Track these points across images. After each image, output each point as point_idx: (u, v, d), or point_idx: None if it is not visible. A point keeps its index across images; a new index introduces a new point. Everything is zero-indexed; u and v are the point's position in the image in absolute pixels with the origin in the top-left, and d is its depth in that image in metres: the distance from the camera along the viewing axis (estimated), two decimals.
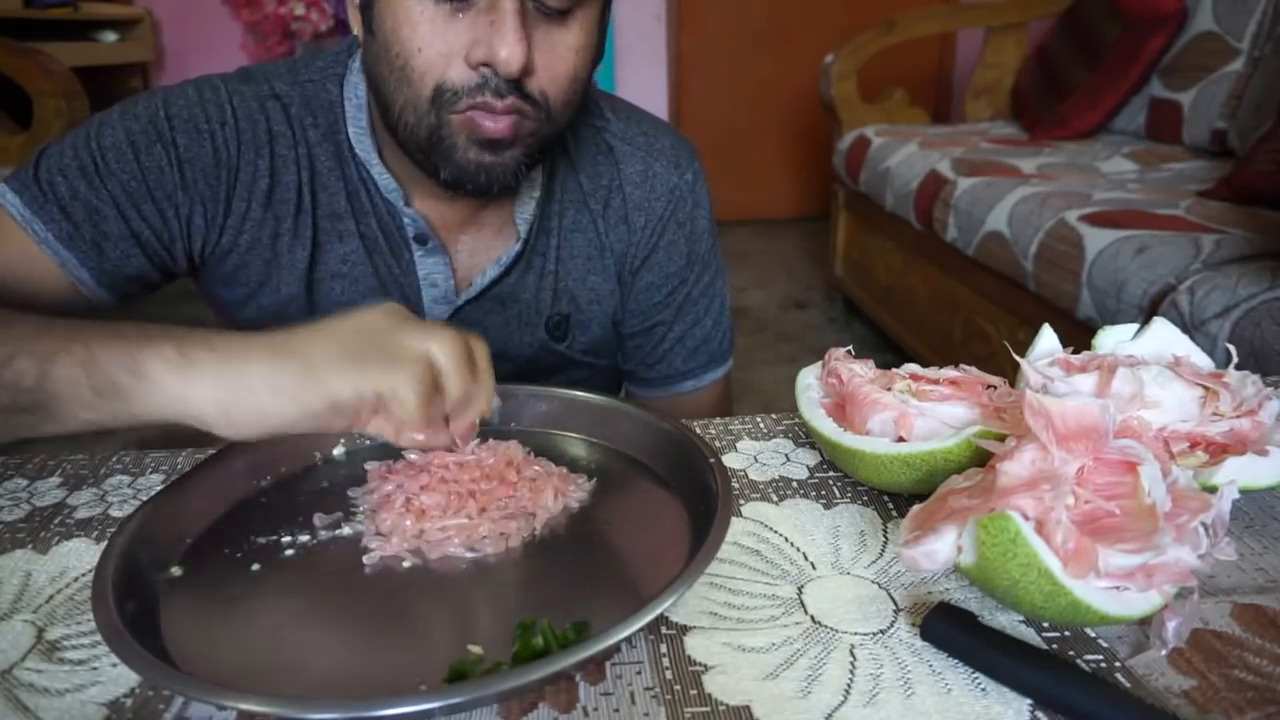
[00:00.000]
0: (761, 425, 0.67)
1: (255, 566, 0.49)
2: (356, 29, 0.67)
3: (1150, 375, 0.51)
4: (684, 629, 0.44)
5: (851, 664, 0.41)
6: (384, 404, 0.49)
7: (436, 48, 0.60)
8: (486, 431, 0.57)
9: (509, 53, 0.59)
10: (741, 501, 0.56)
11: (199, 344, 0.50)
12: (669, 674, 0.41)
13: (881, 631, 0.44)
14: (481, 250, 0.77)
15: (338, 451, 0.61)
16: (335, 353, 0.49)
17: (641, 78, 3.77)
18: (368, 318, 0.51)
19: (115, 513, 0.57)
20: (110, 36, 3.22)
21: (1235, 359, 0.55)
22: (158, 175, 0.68)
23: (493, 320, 0.79)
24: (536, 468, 0.56)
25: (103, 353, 0.51)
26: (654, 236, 0.81)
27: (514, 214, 0.76)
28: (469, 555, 0.49)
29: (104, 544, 0.50)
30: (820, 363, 0.60)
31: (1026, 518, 0.40)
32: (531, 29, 0.60)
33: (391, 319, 0.51)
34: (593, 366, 0.86)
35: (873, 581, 0.48)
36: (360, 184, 0.73)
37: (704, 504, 0.50)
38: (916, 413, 0.53)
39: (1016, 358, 0.55)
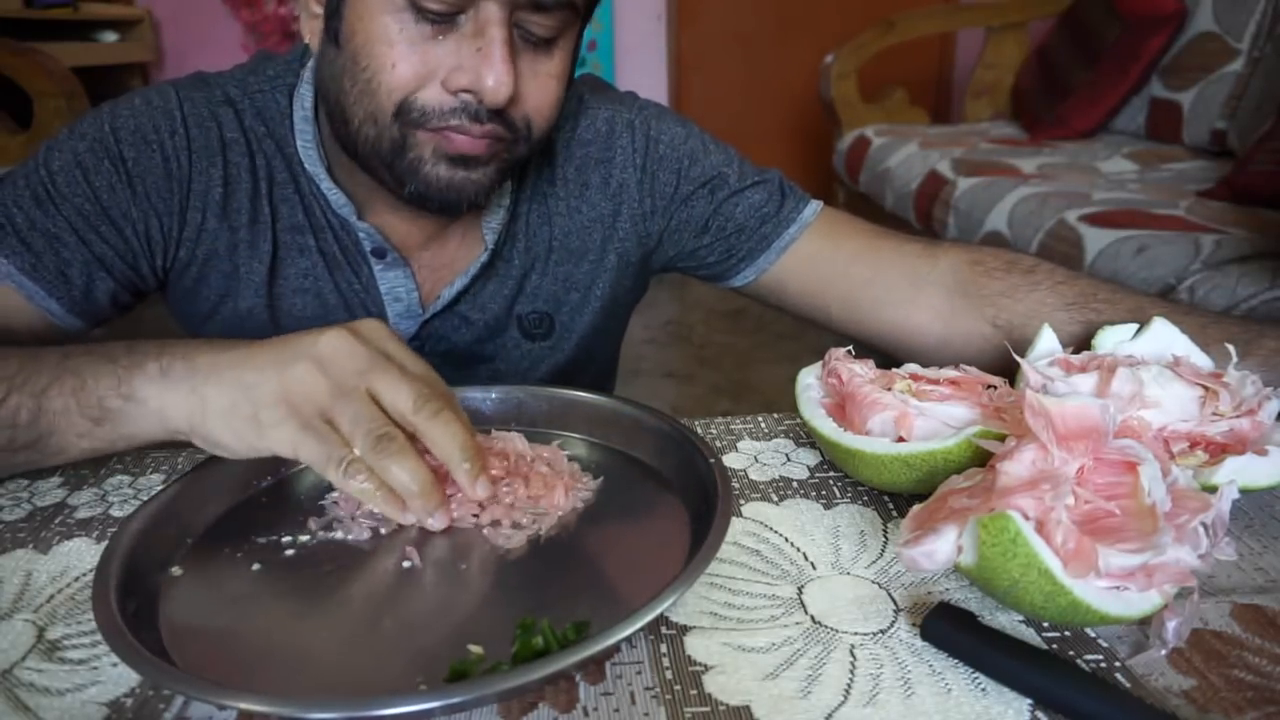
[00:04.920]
0: (762, 425, 0.67)
1: (255, 566, 0.49)
2: (311, 38, 0.65)
3: (1150, 375, 0.51)
4: (684, 629, 0.44)
5: (851, 664, 0.41)
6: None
7: (412, 66, 0.59)
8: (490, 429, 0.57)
9: (497, 82, 0.58)
10: (741, 501, 0.56)
11: (178, 356, 0.52)
12: (669, 674, 0.41)
13: (881, 631, 0.44)
14: (446, 263, 0.75)
15: None
16: (274, 404, 0.49)
17: (641, 78, 3.76)
18: (319, 349, 0.50)
19: (116, 512, 0.57)
20: (110, 36, 3.22)
21: (1235, 359, 0.55)
22: (110, 194, 0.66)
23: (461, 333, 0.77)
24: (545, 467, 0.56)
25: (93, 380, 0.52)
26: (640, 172, 0.77)
27: (481, 225, 0.74)
28: (469, 555, 0.49)
29: (104, 544, 0.50)
30: (820, 363, 0.60)
31: (1026, 518, 0.40)
32: (517, 56, 0.59)
33: (335, 364, 0.50)
34: (585, 370, 0.83)
35: (873, 581, 0.48)
36: (314, 198, 0.71)
37: (704, 504, 0.50)
38: (916, 413, 0.53)
39: (1016, 358, 0.55)
